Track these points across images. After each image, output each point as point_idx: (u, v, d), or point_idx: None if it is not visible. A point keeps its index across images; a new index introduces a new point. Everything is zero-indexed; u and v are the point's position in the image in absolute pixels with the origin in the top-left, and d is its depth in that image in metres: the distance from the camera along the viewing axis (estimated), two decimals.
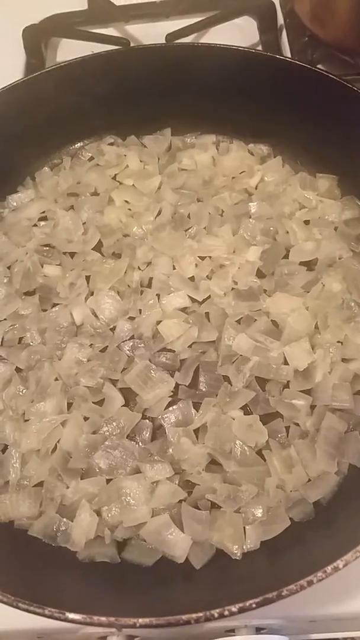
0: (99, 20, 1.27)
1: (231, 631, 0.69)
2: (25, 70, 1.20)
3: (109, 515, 0.72)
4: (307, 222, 0.94)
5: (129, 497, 0.73)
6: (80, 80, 1.01)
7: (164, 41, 1.14)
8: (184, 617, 0.55)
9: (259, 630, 0.69)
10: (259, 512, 0.71)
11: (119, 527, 0.72)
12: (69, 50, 1.25)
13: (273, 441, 0.76)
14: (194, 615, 0.54)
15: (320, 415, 0.77)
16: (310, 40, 1.17)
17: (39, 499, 0.74)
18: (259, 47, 1.21)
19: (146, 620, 0.55)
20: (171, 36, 1.16)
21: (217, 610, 0.54)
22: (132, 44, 1.16)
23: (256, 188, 0.99)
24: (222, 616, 0.54)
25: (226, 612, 0.54)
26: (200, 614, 0.54)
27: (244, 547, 0.70)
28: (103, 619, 0.55)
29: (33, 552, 0.71)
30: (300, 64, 0.95)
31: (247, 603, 0.55)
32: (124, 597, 0.65)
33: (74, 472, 0.75)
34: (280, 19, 1.23)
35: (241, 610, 0.55)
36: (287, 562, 0.67)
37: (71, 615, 0.55)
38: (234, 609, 0.55)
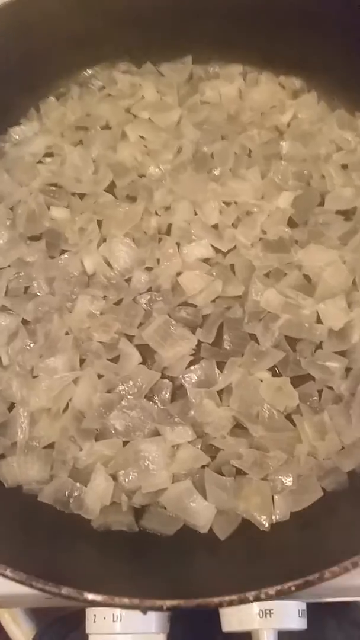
0: None
1: None
2: None
3: (126, 480, 0.67)
4: (345, 166, 0.85)
5: (147, 461, 0.67)
6: None
7: None
8: (216, 599, 0.50)
9: None
10: (288, 481, 0.66)
11: (137, 493, 0.67)
12: None
13: (304, 405, 0.70)
14: (226, 598, 0.49)
15: (356, 378, 0.71)
16: None
17: (50, 462, 0.69)
18: None
19: (174, 603, 0.49)
20: None
21: (253, 593, 0.49)
22: None
23: (288, 126, 0.90)
24: (257, 599, 0.49)
25: (262, 595, 0.49)
26: (234, 597, 0.49)
27: (273, 517, 0.65)
28: (126, 600, 0.50)
29: (44, 521, 0.65)
30: None
31: (286, 586, 0.50)
32: (144, 571, 0.60)
33: (87, 433, 0.70)
34: None
35: (279, 594, 0.50)
36: (320, 535, 0.63)
37: (90, 596, 0.50)
38: (271, 591, 0.49)
